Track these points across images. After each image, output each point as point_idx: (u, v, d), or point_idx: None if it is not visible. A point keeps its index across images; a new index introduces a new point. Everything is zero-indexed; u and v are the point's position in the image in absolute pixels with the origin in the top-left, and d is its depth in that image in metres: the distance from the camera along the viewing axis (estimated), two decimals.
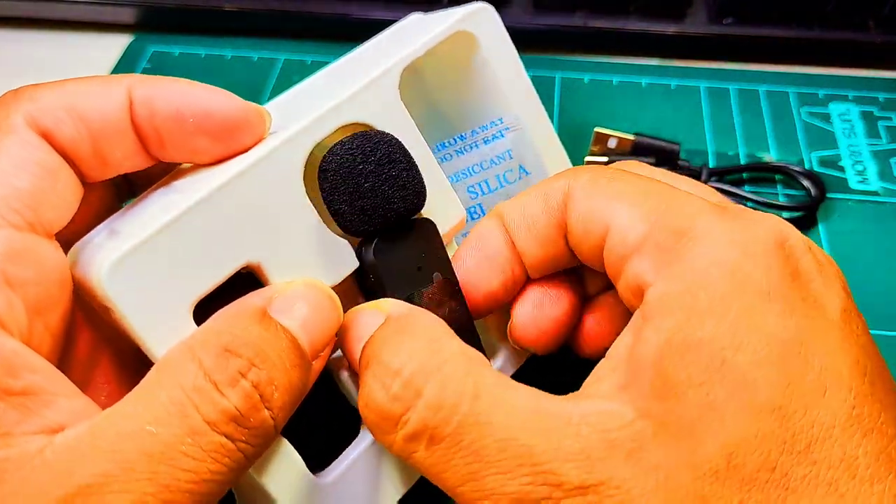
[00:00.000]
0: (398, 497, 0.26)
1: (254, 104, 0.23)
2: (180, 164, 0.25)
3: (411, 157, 0.24)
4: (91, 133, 0.22)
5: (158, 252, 0.21)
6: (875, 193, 0.40)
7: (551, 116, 0.43)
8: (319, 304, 0.22)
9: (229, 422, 0.19)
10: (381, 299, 0.24)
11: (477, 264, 0.26)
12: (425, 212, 0.25)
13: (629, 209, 0.23)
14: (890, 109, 0.44)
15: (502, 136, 0.29)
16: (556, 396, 0.20)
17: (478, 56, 0.29)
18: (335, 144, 0.23)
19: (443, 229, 0.26)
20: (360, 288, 0.26)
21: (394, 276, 0.24)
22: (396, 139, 0.24)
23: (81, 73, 0.40)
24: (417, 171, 0.24)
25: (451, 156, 0.30)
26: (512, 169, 0.30)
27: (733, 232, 0.21)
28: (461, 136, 0.30)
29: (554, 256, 0.25)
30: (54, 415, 0.19)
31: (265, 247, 0.22)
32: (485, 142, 0.29)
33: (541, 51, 0.48)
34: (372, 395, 0.21)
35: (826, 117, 0.44)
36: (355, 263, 0.25)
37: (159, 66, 0.47)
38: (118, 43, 0.49)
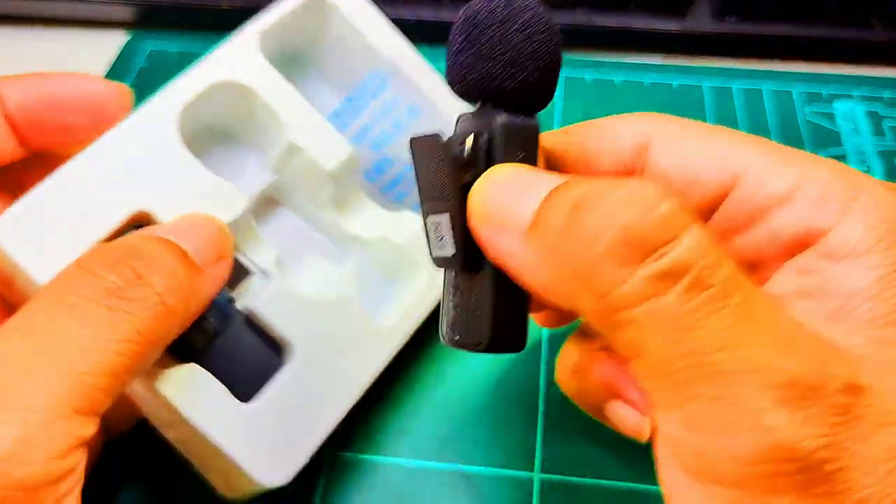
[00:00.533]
0: (331, 423, 0.27)
1: (116, 82, 0.26)
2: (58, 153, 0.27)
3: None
4: None
5: (46, 207, 0.23)
6: None
7: (553, 116, 0.43)
8: (195, 219, 0.24)
9: (109, 295, 0.21)
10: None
11: None
12: (311, 149, 0.28)
13: (762, 157, 0.22)
14: (895, 108, 0.44)
15: (385, 86, 0.32)
16: None
17: (336, 17, 0.31)
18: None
19: (331, 165, 0.28)
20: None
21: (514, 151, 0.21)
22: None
23: (76, 71, 0.40)
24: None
25: (346, 122, 0.31)
26: (403, 113, 0.32)
27: (876, 182, 0.21)
28: (348, 98, 0.31)
29: None
30: None
31: (152, 197, 0.25)
32: (372, 96, 0.31)
33: None
34: (627, 208, 0.17)
35: (830, 116, 0.43)
36: (243, 206, 0.26)
37: (157, 65, 0.47)
38: (114, 41, 0.48)
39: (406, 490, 0.30)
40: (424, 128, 0.31)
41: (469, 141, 0.21)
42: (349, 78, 0.32)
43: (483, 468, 0.30)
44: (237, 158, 0.30)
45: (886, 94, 0.44)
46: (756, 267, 0.22)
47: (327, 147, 0.28)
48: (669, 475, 0.19)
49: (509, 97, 0.21)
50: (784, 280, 0.21)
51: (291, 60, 0.32)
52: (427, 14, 0.47)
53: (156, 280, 0.22)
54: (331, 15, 0.31)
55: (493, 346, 0.21)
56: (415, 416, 0.32)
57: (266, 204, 0.31)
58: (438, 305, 0.24)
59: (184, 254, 0.23)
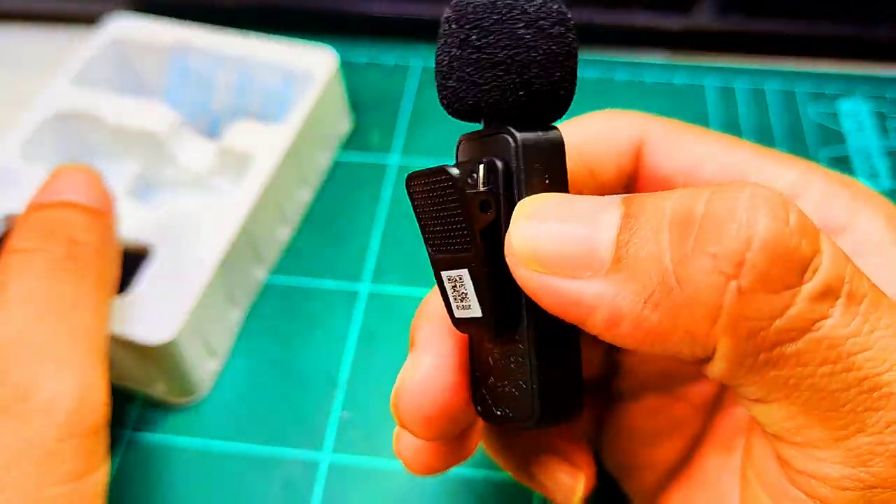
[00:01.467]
0: (199, 286, 0.31)
1: None
2: None
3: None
4: None
5: None
6: (886, 192, 0.39)
7: None
8: (70, 174, 0.27)
9: (66, 261, 0.24)
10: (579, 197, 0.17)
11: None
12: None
13: (761, 159, 0.21)
14: None
15: (187, 67, 0.41)
16: None
17: (129, 43, 0.41)
18: None
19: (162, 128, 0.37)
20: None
21: (536, 180, 0.17)
22: None
23: (71, 68, 0.39)
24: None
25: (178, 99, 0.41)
26: (209, 74, 0.41)
27: (864, 188, 0.21)
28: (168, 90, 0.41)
29: None
30: None
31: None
32: (182, 77, 0.41)
33: None
34: (766, 227, 0.14)
35: (834, 115, 0.43)
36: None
37: None
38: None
39: (406, 493, 0.30)
40: (232, 79, 0.40)
41: (481, 172, 0.17)
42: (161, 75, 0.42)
43: (483, 470, 0.30)
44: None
45: (891, 93, 0.44)
46: None
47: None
48: None
49: (524, 109, 0.17)
50: None
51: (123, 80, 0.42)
52: (426, 11, 0.47)
53: (84, 236, 0.25)
54: (124, 44, 0.41)
55: (544, 420, 0.17)
56: None
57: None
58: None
59: (86, 207, 0.26)
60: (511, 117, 0.17)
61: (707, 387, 0.23)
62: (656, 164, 0.22)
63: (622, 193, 0.22)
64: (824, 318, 0.14)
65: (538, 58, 0.16)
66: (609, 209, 0.16)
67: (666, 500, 0.23)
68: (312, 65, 0.38)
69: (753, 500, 0.17)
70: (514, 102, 0.17)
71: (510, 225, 0.16)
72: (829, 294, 0.14)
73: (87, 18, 0.48)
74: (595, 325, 0.16)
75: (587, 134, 0.22)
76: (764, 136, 0.42)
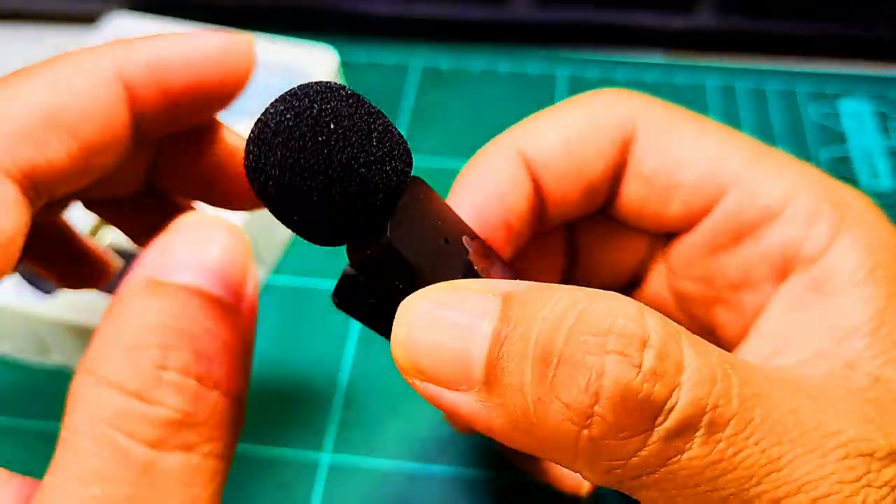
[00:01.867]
0: None
1: (236, 35, 0.21)
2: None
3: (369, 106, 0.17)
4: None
5: None
6: (887, 192, 0.39)
7: None
8: (209, 237, 0.18)
9: (177, 430, 0.15)
10: (463, 283, 0.16)
11: (484, 207, 0.21)
12: None
13: (752, 167, 0.21)
14: None
15: None
16: (782, 369, 0.18)
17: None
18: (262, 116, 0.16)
19: None
20: (357, 298, 0.20)
21: (427, 258, 0.17)
22: (339, 87, 0.17)
23: None
24: (385, 119, 0.17)
25: None
26: None
27: (858, 196, 0.20)
28: None
29: (588, 205, 0.22)
30: None
31: None
32: None
33: (544, 46, 0.47)
34: (615, 378, 0.14)
35: (835, 115, 0.43)
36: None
37: None
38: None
39: (406, 493, 0.30)
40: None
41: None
42: None
43: (483, 471, 0.30)
44: None
45: (892, 92, 0.44)
46: (742, 287, 0.21)
47: None
48: None
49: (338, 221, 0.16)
50: (776, 315, 0.20)
51: None
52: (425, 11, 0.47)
53: (216, 369, 0.16)
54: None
55: None
56: (414, 420, 0.32)
57: None
58: None
59: (221, 303, 0.17)
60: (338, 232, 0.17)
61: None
62: (641, 160, 0.22)
63: (607, 190, 0.22)
64: (680, 452, 0.14)
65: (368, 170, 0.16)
66: (484, 318, 0.15)
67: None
68: (312, 64, 0.38)
69: None
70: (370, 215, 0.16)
71: (392, 331, 0.16)
72: (685, 430, 0.14)
73: (87, 18, 0.48)
74: (477, 429, 0.16)
75: (575, 128, 0.22)
76: (764, 136, 0.41)
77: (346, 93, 0.16)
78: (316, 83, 0.16)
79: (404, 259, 0.16)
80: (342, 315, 0.35)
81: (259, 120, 0.16)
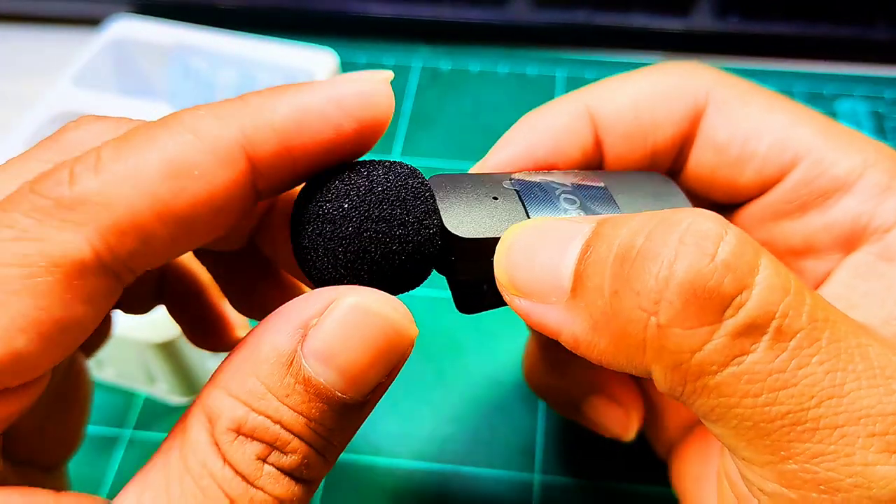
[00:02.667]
0: None
1: (378, 74, 0.18)
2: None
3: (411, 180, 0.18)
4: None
5: None
6: None
7: None
8: (371, 336, 0.16)
9: None
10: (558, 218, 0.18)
11: (537, 146, 0.21)
12: None
13: (825, 139, 0.21)
14: None
15: (188, 65, 0.42)
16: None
17: (129, 45, 0.42)
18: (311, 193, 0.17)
19: None
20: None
21: (490, 223, 0.18)
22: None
23: (73, 69, 0.39)
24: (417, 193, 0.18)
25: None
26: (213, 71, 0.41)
27: None
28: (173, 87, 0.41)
29: (648, 168, 0.22)
30: None
31: None
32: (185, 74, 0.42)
33: (543, 47, 0.47)
34: (686, 265, 0.14)
35: (832, 116, 0.43)
36: None
37: None
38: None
39: (405, 492, 0.30)
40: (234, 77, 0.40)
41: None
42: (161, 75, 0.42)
43: (483, 469, 0.30)
44: None
45: (889, 93, 0.44)
46: (804, 254, 0.21)
47: None
48: None
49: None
50: (841, 281, 0.20)
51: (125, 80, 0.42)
52: (426, 12, 0.47)
53: (307, 472, 0.16)
54: (126, 45, 0.41)
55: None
56: (414, 418, 0.32)
57: None
58: None
59: (345, 407, 0.16)
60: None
61: None
62: (714, 130, 0.22)
63: (672, 158, 0.22)
64: (745, 353, 0.14)
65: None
66: (576, 238, 0.17)
67: (681, 450, 0.24)
68: (312, 65, 0.39)
69: (721, 487, 0.18)
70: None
71: (496, 250, 0.18)
72: (752, 330, 0.14)
73: (89, 20, 0.49)
74: (564, 344, 0.17)
75: (646, 94, 0.22)
76: None
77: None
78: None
79: (473, 238, 0.18)
80: None
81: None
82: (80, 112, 0.37)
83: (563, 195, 0.19)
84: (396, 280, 0.18)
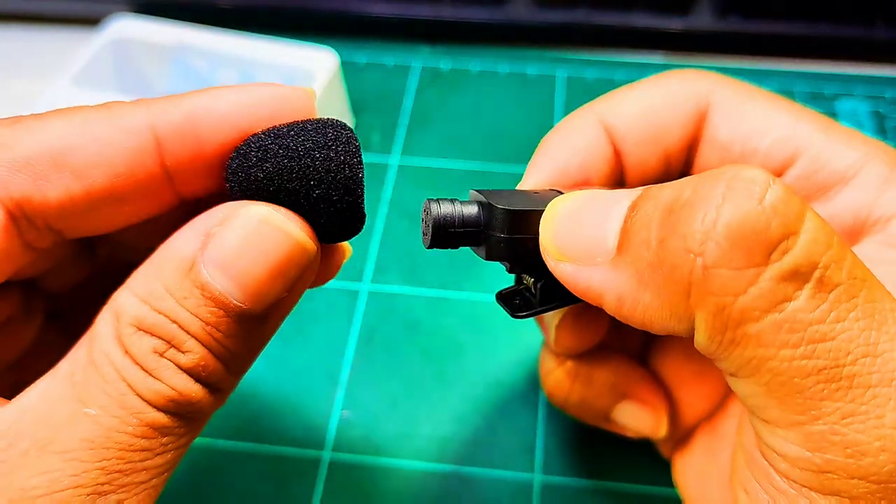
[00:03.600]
0: None
1: (298, 87, 0.20)
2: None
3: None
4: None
5: None
6: None
7: (553, 115, 0.43)
8: (269, 247, 0.17)
9: (167, 402, 0.17)
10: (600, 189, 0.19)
11: (566, 166, 0.22)
12: None
13: (825, 135, 0.21)
14: None
15: (188, 63, 0.42)
16: None
17: (131, 44, 0.42)
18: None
19: None
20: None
21: (533, 202, 0.20)
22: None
23: (72, 68, 0.39)
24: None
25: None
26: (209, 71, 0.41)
27: None
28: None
29: (663, 173, 0.23)
30: None
31: None
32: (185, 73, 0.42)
33: (543, 47, 0.47)
34: (734, 206, 0.14)
35: (833, 116, 0.43)
36: None
37: None
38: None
39: (405, 492, 0.30)
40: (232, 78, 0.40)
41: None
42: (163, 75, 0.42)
43: (483, 469, 0.30)
44: None
45: (889, 93, 0.44)
46: None
47: None
48: (766, 484, 0.16)
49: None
50: None
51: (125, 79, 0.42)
52: (426, 12, 0.47)
53: (206, 374, 0.17)
54: (126, 45, 0.41)
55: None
56: (414, 418, 0.32)
57: None
58: None
59: (242, 316, 0.17)
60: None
61: None
62: (717, 130, 0.22)
63: (684, 158, 0.23)
64: (788, 299, 0.14)
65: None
66: (622, 202, 0.17)
67: (686, 446, 0.25)
68: (313, 65, 0.38)
69: (735, 462, 0.18)
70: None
71: (542, 216, 0.19)
72: (796, 276, 0.14)
73: (89, 20, 0.49)
74: (608, 306, 0.17)
75: (652, 101, 0.23)
76: None
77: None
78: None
79: (520, 211, 0.19)
80: (342, 315, 0.35)
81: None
82: None
83: None
84: (319, 210, 0.19)
